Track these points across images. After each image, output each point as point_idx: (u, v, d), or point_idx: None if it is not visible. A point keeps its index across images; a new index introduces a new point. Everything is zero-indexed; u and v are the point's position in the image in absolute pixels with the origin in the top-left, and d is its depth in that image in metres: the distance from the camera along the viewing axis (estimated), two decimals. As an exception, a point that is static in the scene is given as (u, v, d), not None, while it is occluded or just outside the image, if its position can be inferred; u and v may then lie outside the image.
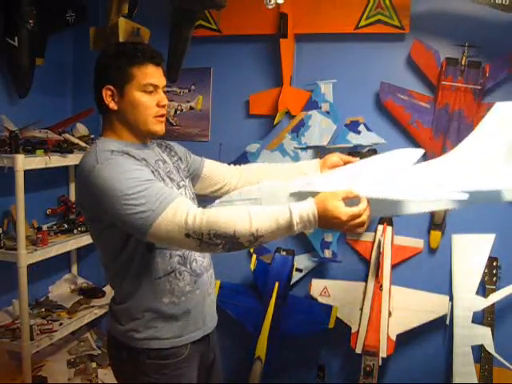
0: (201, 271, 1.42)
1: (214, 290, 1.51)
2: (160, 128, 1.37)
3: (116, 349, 1.43)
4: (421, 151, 1.49)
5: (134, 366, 1.38)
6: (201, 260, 1.43)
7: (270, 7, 2.13)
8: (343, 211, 1.12)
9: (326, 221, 1.13)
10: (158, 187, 1.20)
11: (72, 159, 2.46)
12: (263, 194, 1.34)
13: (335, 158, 1.53)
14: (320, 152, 2.46)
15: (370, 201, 1.18)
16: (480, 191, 1.21)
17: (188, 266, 1.38)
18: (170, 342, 1.37)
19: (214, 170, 1.62)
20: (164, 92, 1.38)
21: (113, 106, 1.32)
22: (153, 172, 1.31)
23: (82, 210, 1.44)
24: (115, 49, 1.37)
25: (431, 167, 1.37)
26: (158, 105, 1.34)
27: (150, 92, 1.32)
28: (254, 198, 1.34)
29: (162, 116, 1.36)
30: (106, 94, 1.32)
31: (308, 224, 1.14)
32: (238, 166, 1.67)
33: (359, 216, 1.14)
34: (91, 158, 1.25)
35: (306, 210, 1.13)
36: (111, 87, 1.31)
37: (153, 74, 1.32)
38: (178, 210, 1.16)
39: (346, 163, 1.51)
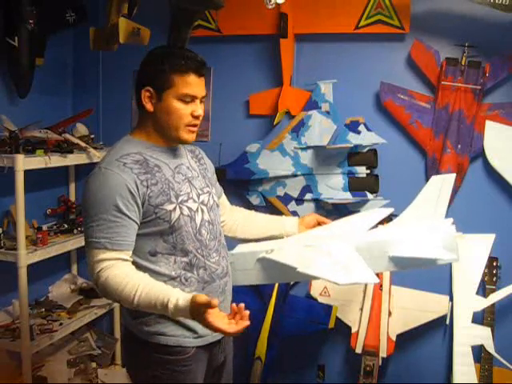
0: (211, 278, 1.41)
1: (228, 298, 1.49)
2: (190, 137, 1.40)
3: (127, 339, 1.49)
4: (389, 210, 1.72)
5: (140, 357, 1.41)
6: (214, 267, 1.42)
7: (270, 7, 2.12)
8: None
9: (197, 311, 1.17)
10: (109, 228, 1.26)
11: (72, 159, 2.46)
12: (236, 259, 1.55)
13: (311, 218, 1.70)
14: (320, 152, 2.47)
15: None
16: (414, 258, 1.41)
17: (195, 273, 1.38)
18: (176, 340, 1.38)
19: (223, 206, 1.69)
20: (202, 102, 1.39)
21: (149, 107, 1.36)
22: (162, 181, 1.34)
23: None
24: (162, 52, 1.39)
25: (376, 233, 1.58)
26: (192, 114, 1.36)
27: (187, 102, 1.34)
28: (230, 261, 1.54)
29: (194, 126, 1.38)
30: (145, 96, 1.35)
31: (180, 310, 1.19)
32: (234, 207, 1.78)
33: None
34: (105, 156, 1.36)
35: (180, 299, 1.19)
36: (151, 89, 1.35)
37: (193, 85, 1.34)
38: (100, 258, 1.26)
39: (320, 223, 1.68)
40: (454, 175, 1.61)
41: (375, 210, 1.72)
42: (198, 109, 1.37)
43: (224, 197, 1.73)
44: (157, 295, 1.21)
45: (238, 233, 1.70)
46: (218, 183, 1.69)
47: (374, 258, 1.42)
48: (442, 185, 1.57)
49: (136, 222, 1.31)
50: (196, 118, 1.37)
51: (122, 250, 1.28)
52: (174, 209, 1.34)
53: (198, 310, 1.16)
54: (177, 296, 1.19)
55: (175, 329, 1.37)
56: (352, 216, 1.77)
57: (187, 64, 1.33)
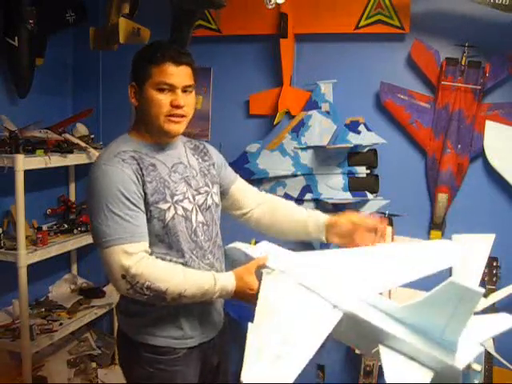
0: None
1: (218, 300, 1.48)
2: (173, 127, 1.35)
3: (119, 338, 1.50)
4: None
5: (131, 356, 1.42)
6: (207, 269, 1.41)
7: (270, 7, 2.12)
8: (256, 284, 1.29)
9: (242, 293, 1.31)
10: (126, 222, 1.26)
11: (72, 159, 2.46)
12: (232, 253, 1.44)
13: (344, 221, 1.44)
14: (320, 152, 2.46)
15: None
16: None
17: None
18: (165, 341, 1.38)
19: (242, 193, 1.61)
20: (188, 92, 1.36)
21: (134, 102, 1.39)
22: (157, 180, 1.33)
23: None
24: (143, 48, 1.41)
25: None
26: (171, 104, 1.33)
27: (164, 90, 1.32)
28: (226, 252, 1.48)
29: (175, 116, 1.35)
30: (131, 91, 1.39)
31: (224, 296, 1.33)
32: (263, 195, 1.65)
33: None
34: (102, 154, 1.36)
35: (228, 286, 1.31)
36: (134, 85, 1.37)
37: (170, 73, 1.32)
38: (128, 251, 1.24)
39: (356, 226, 1.42)
40: (486, 256, 0.97)
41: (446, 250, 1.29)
42: (179, 98, 1.33)
43: (245, 186, 1.63)
44: (201, 276, 1.31)
45: (262, 227, 1.60)
46: (229, 171, 1.61)
47: (362, 338, 1.12)
48: (471, 265, 0.99)
49: (144, 213, 1.31)
50: (176, 107, 1.33)
51: (144, 241, 1.29)
52: (169, 208, 1.33)
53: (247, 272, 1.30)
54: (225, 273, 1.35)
55: (165, 330, 1.37)
56: (416, 248, 1.45)
57: (163, 54, 1.32)
